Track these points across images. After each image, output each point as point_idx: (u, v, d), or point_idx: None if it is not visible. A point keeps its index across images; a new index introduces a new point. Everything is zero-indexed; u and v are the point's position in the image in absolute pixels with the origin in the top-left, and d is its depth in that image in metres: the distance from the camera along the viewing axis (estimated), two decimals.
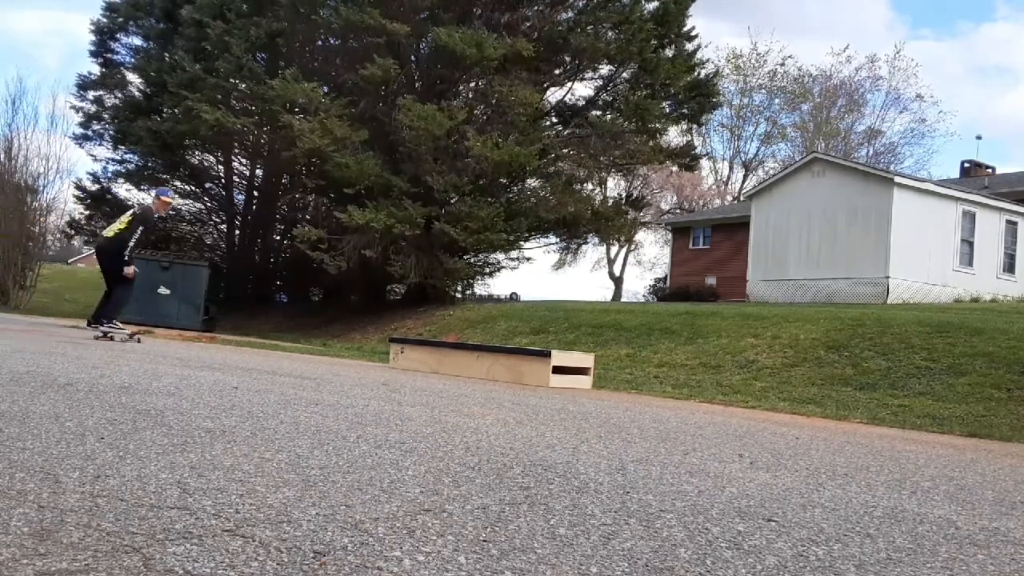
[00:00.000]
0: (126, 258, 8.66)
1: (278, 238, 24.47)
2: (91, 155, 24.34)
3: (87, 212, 23.64)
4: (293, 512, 1.68)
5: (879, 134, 39.88)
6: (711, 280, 25.38)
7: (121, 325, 8.96)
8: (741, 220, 23.32)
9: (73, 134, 23.21)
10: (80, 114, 23.20)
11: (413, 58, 19.23)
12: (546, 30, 18.11)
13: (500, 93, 16.98)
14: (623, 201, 22.17)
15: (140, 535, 1.42)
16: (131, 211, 9.38)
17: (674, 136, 24.09)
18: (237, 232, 24.18)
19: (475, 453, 2.69)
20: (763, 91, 40.05)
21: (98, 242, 9.36)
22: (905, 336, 8.41)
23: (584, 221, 19.27)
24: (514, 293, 23.97)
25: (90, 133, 23.26)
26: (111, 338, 8.65)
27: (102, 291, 9.26)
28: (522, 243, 19.32)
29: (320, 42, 21.07)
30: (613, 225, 20.31)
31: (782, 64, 39.89)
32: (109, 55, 24.16)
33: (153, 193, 9.90)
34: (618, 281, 40.62)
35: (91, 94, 23.46)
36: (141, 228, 8.77)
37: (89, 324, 9.01)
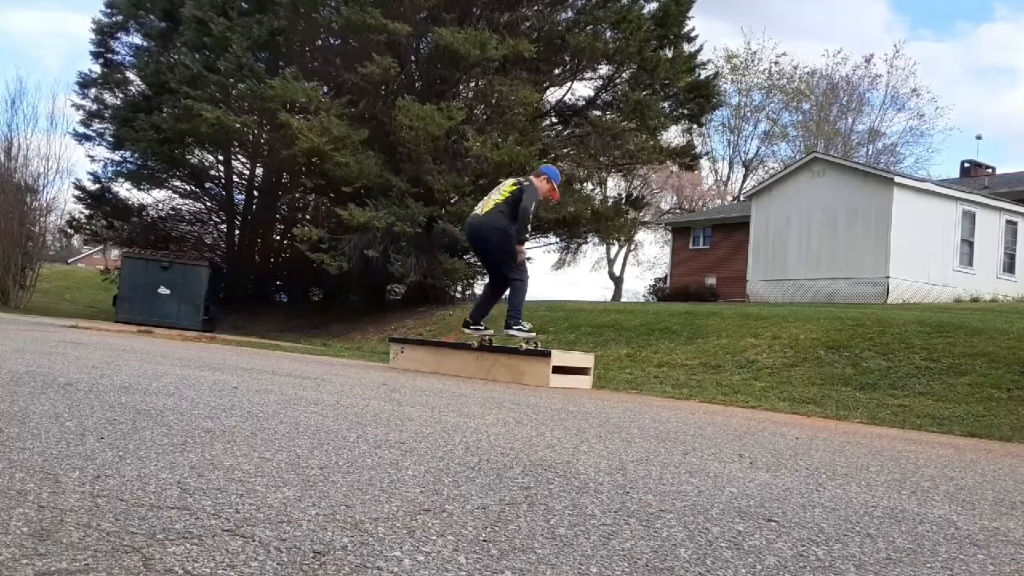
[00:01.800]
0: (525, 234, 6.95)
1: (278, 238, 24.48)
2: (90, 155, 24.37)
3: (87, 212, 23.66)
4: (293, 512, 1.68)
5: (879, 135, 39.96)
6: (711, 280, 25.40)
7: (527, 326, 7.19)
8: (741, 220, 23.33)
9: (74, 131, 23.25)
10: (81, 112, 23.23)
11: (413, 58, 19.24)
12: (546, 30, 18.12)
13: (500, 93, 16.99)
14: (623, 201, 22.19)
15: (140, 535, 1.42)
16: (514, 181, 7.42)
17: (674, 136, 24.14)
18: (237, 232, 24.19)
19: (475, 453, 2.69)
20: (760, 91, 40.17)
21: (471, 221, 7.33)
22: (905, 336, 8.41)
23: (584, 221, 19.28)
24: None
25: (90, 132, 23.28)
26: (529, 344, 7.10)
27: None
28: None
29: (320, 41, 21.09)
30: (613, 225, 20.32)
31: (776, 62, 40.00)
32: (110, 54, 24.18)
33: (541, 171, 7.46)
34: (618, 281, 40.67)
35: (92, 92, 23.48)
36: (535, 202, 7.01)
37: (467, 326, 7.44)
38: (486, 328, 7.36)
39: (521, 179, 7.39)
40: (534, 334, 7.30)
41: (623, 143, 18.73)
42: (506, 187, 7.25)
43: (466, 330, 7.48)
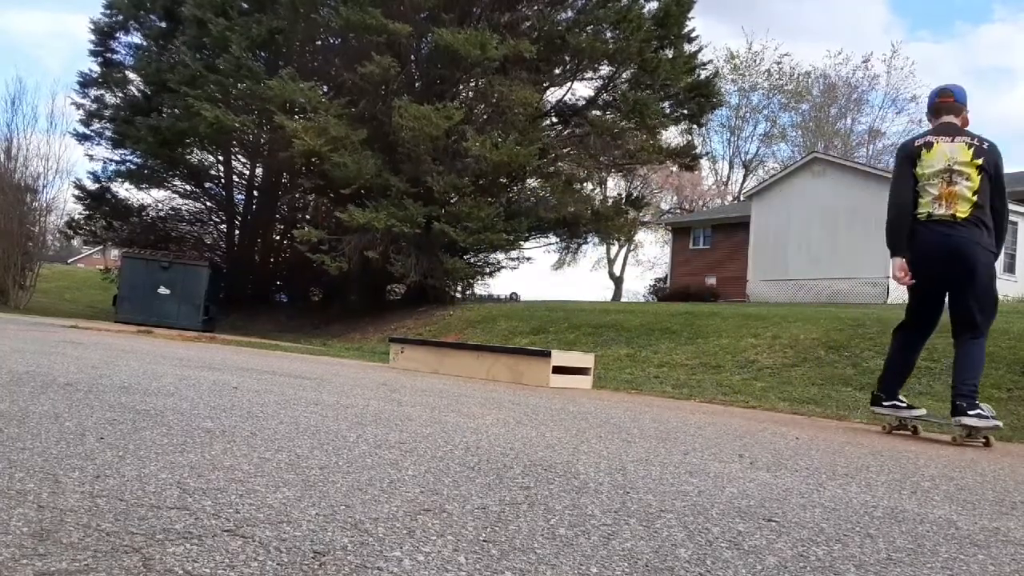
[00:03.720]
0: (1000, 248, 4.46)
1: (278, 238, 24.50)
2: (89, 155, 24.40)
3: (86, 212, 23.67)
4: (293, 512, 1.68)
5: (879, 134, 40.01)
6: (711, 280, 25.39)
7: (985, 410, 4.40)
8: (741, 220, 23.32)
9: (74, 131, 23.29)
10: (81, 111, 23.26)
11: (413, 58, 19.24)
12: (546, 30, 18.12)
13: (500, 93, 16.99)
14: (623, 201, 22.20)
15: (140, 535, 1.42)
16: (970, 146, 4.44)
17: (674, 136, 24.15)
18: (237, 232, 24.20)
19: (475, 453, 2.69)
20: (760, 91, 40.20)
21: (947, 227, 4.51)
22: None
23: (584, 221, 19.30)
24: (514, 293, 24.00)
25: (90, 132, 23.30)
26: (981, 438, 4.41)
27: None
28: (522, 243, 19.37)
29: (320, 41, 21.09)
30: (613, 225, 20.34)
31: (778, 63, 40.03)
32: (109, 54, 24.19)
33: (953, 97, 4.60)
34: (618, 281, 40.67)
35: (92, 92, 23.50)
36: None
37: (878, 403, 4.92)
38: (909, 404, 4.89)
39: (971, 138, 4.49)
40: (1000, 422, 4.51)
41: (623, 143, 18.74)
42: (963, 157, 4.40)
43: (878, 410, 4.97)
